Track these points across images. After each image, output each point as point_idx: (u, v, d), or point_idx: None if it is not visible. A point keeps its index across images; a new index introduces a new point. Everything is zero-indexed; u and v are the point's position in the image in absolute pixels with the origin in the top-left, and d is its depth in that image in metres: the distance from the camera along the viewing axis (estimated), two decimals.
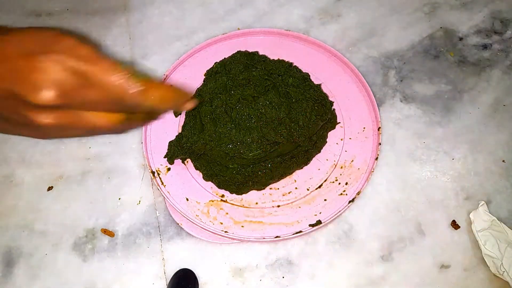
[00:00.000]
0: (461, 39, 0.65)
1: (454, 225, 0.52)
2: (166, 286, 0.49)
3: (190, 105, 0.36)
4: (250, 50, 0.59)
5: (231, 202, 0.51)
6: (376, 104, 0.56)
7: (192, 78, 0.59)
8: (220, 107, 0.50)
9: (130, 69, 0.27)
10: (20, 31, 0.25)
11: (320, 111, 0.52)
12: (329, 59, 0.60)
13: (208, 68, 0.58)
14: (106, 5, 0.69)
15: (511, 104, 0.59)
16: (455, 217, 0.52)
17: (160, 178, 0.52)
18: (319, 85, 0.56)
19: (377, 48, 0.64)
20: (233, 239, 0.49)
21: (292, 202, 0.51)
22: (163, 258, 0.50)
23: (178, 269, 0.49)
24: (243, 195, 0.51)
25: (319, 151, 0.54)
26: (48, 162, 0.56)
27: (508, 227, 0.50)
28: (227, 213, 0.50)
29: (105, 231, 0.52)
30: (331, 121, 0.55)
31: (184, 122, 0.55)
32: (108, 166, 0.56)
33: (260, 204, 0.51)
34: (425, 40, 0.65)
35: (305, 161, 0.53)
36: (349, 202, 0.50)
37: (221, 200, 0.51)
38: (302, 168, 0.53)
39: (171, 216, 0.52)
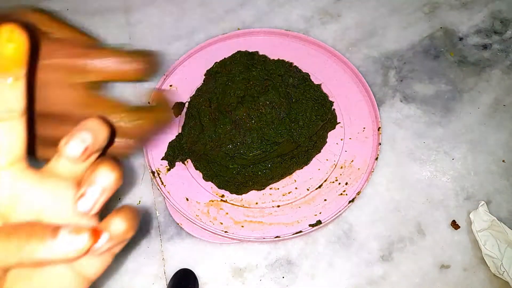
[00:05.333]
0: (461, 39, 0.65)
1: (454, 225, 0.52)
2: (166, 286, 0.49)
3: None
4: (250, 50, 0.59)
5: (231, 202, 0.51)
6: (376, 104, 0.56)
7: (192, 78, 0.59)
8: (219, 108, 0.50)
9: (126, 107, 0.27)
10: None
11: (320, 111, 0.52)
12: (329, 59, 0.60)
13: (208, 68, 0.58)
14: (106, 5, 0.69)
15: (511, 104, 0.59)
16: (455, 217, 0.52)
17: (160, 178, 0.52)
18: (319, 85, 0.56)
19: (377, 48, 0.64)
20: (233, 239, 0.49)
21: (292, 202, 0.51)
22: (163, 258, 0.50)
23: (178, 269, 0.49)
24: (243, 195, 0.51)
25: (319, 151, 0.54)
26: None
27: (508, 227, 0.50)
28: (227, 213, 0.50)
29: None
30: (331, 121, 0.55)
31: (184, 122, 0.55)
32: None
33: (260, 204, 0.51)
34: (425, 40, 0.65)
35: (305, 161, 0.53)
36: (349, 202, 0.50)
37: (221, 200, 0.51)
38: (302, 168, 0.53)
39: (171, 216, 0.52)
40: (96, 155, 0.23)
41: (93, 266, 0.22)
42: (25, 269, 0.21)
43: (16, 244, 0.18)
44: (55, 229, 0.19)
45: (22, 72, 0.19)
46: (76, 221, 0.21)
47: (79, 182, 0.21)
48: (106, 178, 0.20)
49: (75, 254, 0.19)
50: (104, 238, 0.20)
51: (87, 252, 0.19)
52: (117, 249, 0.23)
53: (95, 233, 0.20)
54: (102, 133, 0.21)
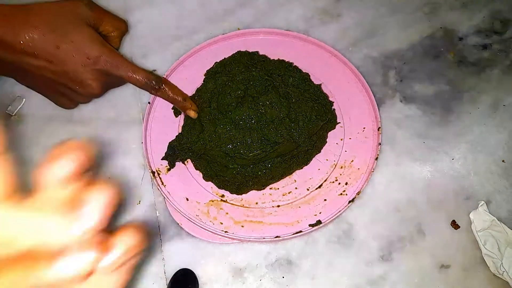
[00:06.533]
0: (461, 39, 0.65)
1: (454, 225, 0.52)
2: (166, 286, 0.49)
3: (192, 113, 0.50)
4: (250, 50, 0.59)
5: (231, 202, 0.51)
6: (376, 104, 0.56)
7: (192, 78, 0.59)
8: (219, 108, 0.50)
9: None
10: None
11: (320, 111, 0.52)
12: (329, 59, 0.60)
13: (208, 68, 0.58)
14: (106, 5, 0.69)
15: (511, 104, 0.59)
16: (455, 217, 0.52)
17: (160, 178, 0.52)
18: (319, 85, 0.56)
19: (377, 48, 0.64)
20: (233, 239, 0.49)
21: (292, 202, 0.51)
22: (163, 258, 0.50)
23: (178, 269, 0.49)
24: (243, 195, 0.51)
25: (319, 151, 0.54)
26: None
27: (508, 227, 0.50)
28: (227, 213, 0.50)
29: None
30: (331, 121, 0.55)
31: (184, 122, 0.55)
32: (108, 166, 0.56)
33: (260, 204, 0.51)
34: (425, 40, 0.65)
35: (305, 161, 0.53)
36: (349, 202, 0.50)
37: (221, 200, 0.51)
38: (302, 168, 0.53)
39: (171, 216, 0.52)
40: (86, 174, 0.22)
41: (113, 281, 0.22)
42: None
43: (22, 273, 0.18)
44: (60, 250, 0.19)
45: None
46: (80, 240, 0.21)
47: (74, 203, 0.21)
48: (99, 195, 0.20)
49: (86, 270, 0.19)
50: (113, 255, 0.20)
51: (96, 264, 0.20)
52: (133, 261, 0.23)
53: (102, 246, 0.20)
54: (82, 154, 0.21)
